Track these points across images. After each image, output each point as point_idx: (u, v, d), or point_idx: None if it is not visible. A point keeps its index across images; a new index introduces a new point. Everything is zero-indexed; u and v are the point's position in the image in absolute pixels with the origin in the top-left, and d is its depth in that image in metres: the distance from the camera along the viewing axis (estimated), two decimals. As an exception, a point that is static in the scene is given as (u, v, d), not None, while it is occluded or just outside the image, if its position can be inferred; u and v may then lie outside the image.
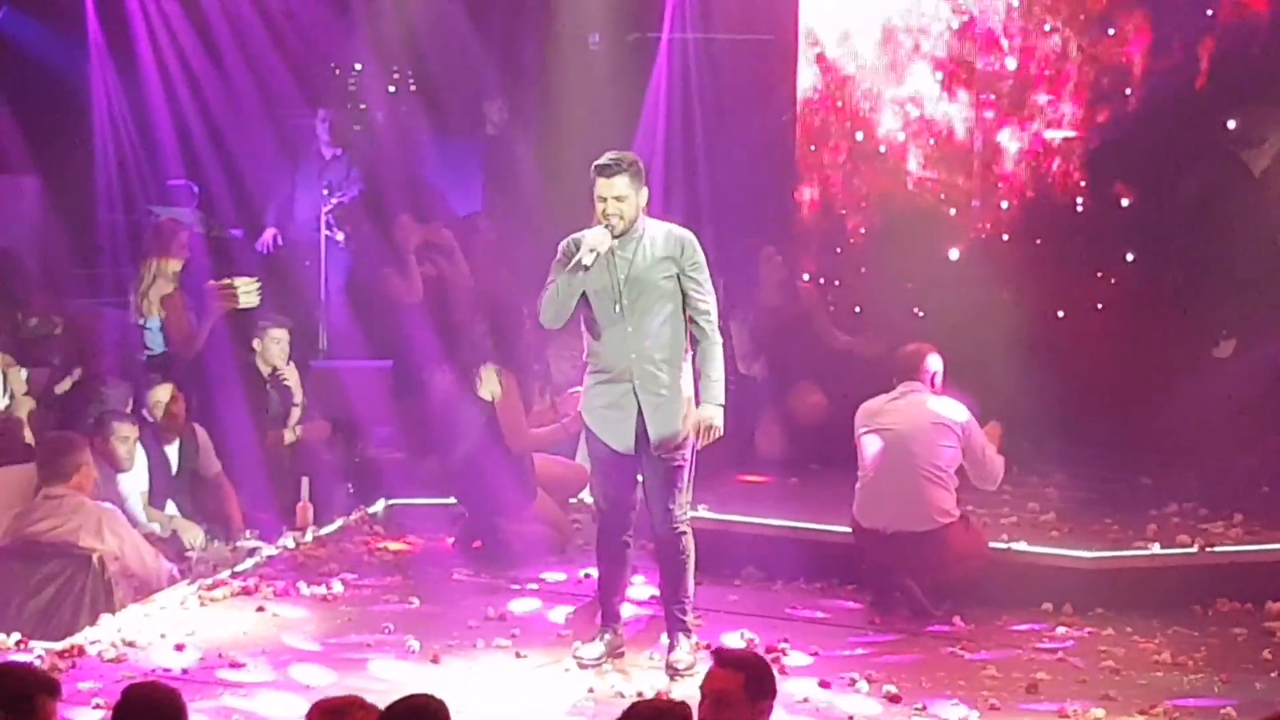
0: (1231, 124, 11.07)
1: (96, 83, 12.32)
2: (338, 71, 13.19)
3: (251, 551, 9.43)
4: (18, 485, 8.63)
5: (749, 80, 12.56)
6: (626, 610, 8.23)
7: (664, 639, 7.93)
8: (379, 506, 10.57)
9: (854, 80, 11.85)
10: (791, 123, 12.12)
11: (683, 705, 5.15)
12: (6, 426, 9.46)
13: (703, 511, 9.29)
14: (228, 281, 10.33)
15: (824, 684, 7.66)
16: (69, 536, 8.24)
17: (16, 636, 7.95)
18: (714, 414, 7.68)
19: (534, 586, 9.19)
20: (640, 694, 7.39)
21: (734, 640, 8.22)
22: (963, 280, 11.32)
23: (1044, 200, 11.59)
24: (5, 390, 9.71)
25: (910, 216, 11.74)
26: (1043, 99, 11.55)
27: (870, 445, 8.83)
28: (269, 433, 10.37)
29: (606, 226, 7.57)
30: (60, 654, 7.73)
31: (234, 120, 12.37)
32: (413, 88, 13.53)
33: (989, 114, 11.60)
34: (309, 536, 9.85)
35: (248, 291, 10.25)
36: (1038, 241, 11.62)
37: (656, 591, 8.28)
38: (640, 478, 7.81)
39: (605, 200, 7.59)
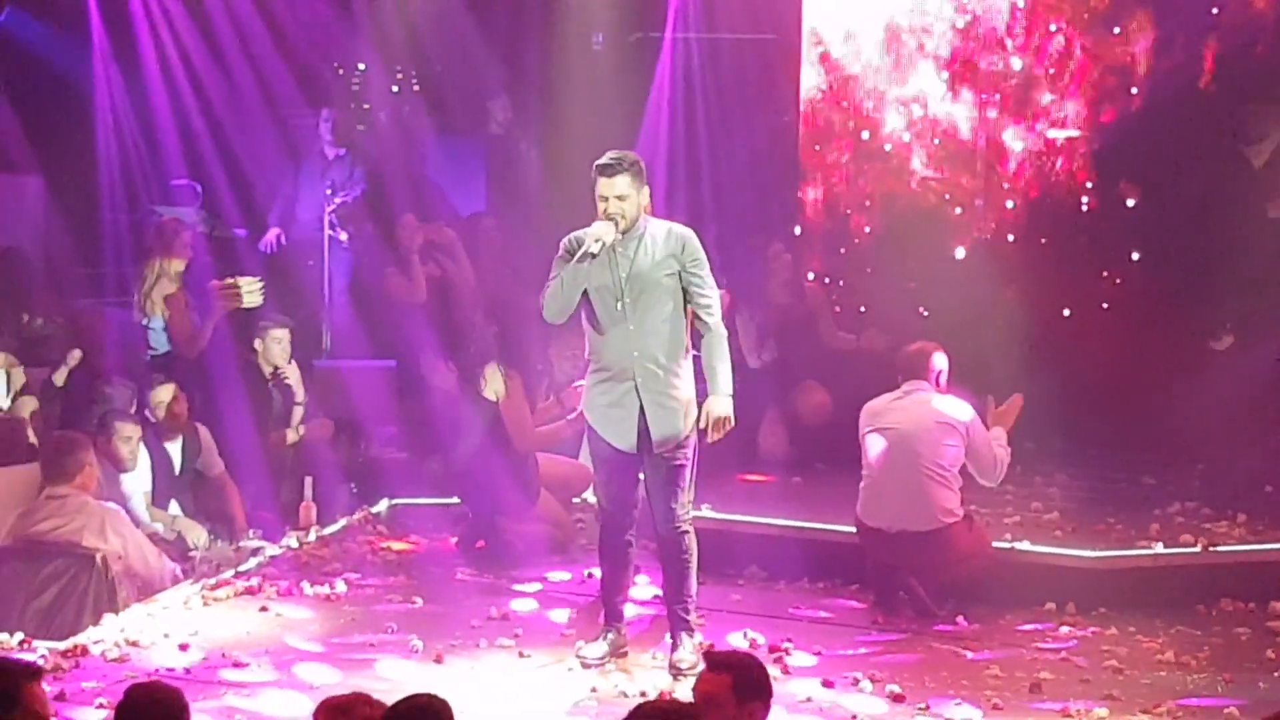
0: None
1: (100, 82, 12.31)
2: (341, 71, 13.19)
3: (254, 551, 9.43)
4: (21, 485, 8.64)
5: (752, 80, 12.55)
6: (629, 610, 8.23)
7: (668, 638, 7.93)
8: (382, 506, 10.57)
9: (857, 80, 11.85)
10: (794, 122, 12.12)
11: (690, 706, 5.14)
12: (10, 426, 9.46)
13: (706, 511, 9.29)
14: (231, 281, 10.34)
15: (827, 683, 7.65)
16: (72, 536, 8.25)
17: (20, 636, 7.96)
18: (724, 404, 7.67)
19: (537, 586, 9.19)
20: (643, 693, 7.39)
21: (738, 640, 8.22)
22: (967, 280, 11.31)
23: (1049, 200, 11.59)
24: (9, 390, 9.71)
25: (915, 216, 11.75)
26: (1047, 98, 11.55)
27: (874, 445, 8.83)
28: (271, 432, 10.38)
29: (609, 220, 7.58)
30: (63, 654, 7.74)
31: (237, 120, 12.37)
32: (416, 87, 13.53)
33: (993, 113, 11.60)
34: (312, 536, 9.86)
35: (251, 291, 10.27)
36: (1043, 241, 11.63)
37: (659, 591, 8.28)
38: (642, 476, 7.81)
39: (607, 200, 7.59)
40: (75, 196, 12.15)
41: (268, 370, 10.45)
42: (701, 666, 5.55)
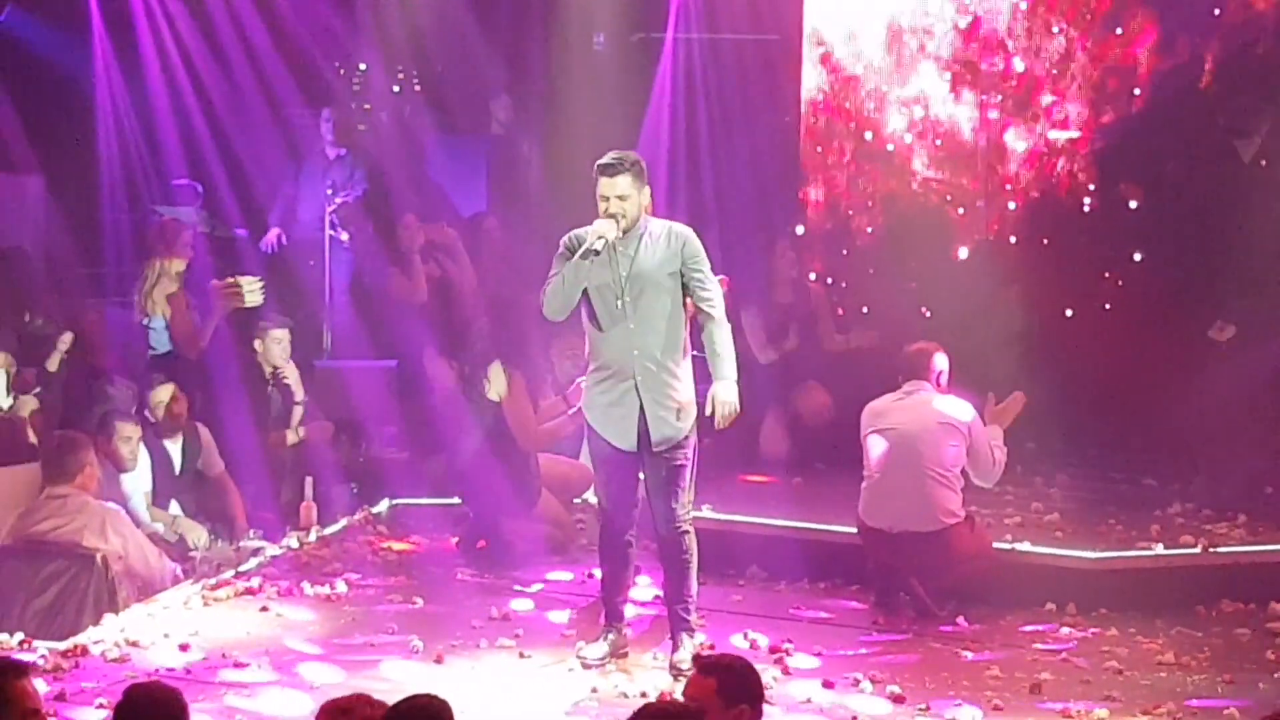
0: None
1: (101, 82, 12.31)
2: (342, 71, 13.18)
3: (255, 551, 9.43)
4: (22, 485, 8.65)
5: (753, 80, 12.55)
6: (630, 610, 8.23)
7: (670, 639, 7.93)
8: (383, 506, 10.57)
9: (859, 80, 11.85)
10: (795, 123, 12.11)
11: (695, 707, 5.14)
12: (10, 426, 9.46)
13: (706, 511, 9.30)
14: (232, 280, 10.34)
15: (828, 684, 7.65)
16: (73, 536, 8.26)
17: (20, 636, 7.96)
18: (729, 390, 7.64)
19: (538, 587, 9.19)
20: (644, 694, 7.40)
21: (738, 640, 8.23)
22: (969, 280, 11.30)
23: (1050, 200, 11.59)
24: (9, 390, 9.71)
25: (916, 217, 11.74)
26: (1048, 99, 11.55)
27: (876, 445, 8.82)
28: (272, 433, 10.38)
29: (610, 218, 7.58)
30: (64, 654, 7.74)
31: (238, 119, 12.36)
32: (417, 87, 13.53)
33: (995, 114, 11.60)
34: (313, 536, 9.86)
35: (252, 290, 10.26)
36: (1044, 241, 11.62)
37: (660, 591, 8.28)
38: (642, 476, 7.81)
39: (608, 199, 7.60)
40: (76, 196, 12.15)
41: (268, 370, 10.45)
42: (696, 669, 5.56)
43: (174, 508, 9.56)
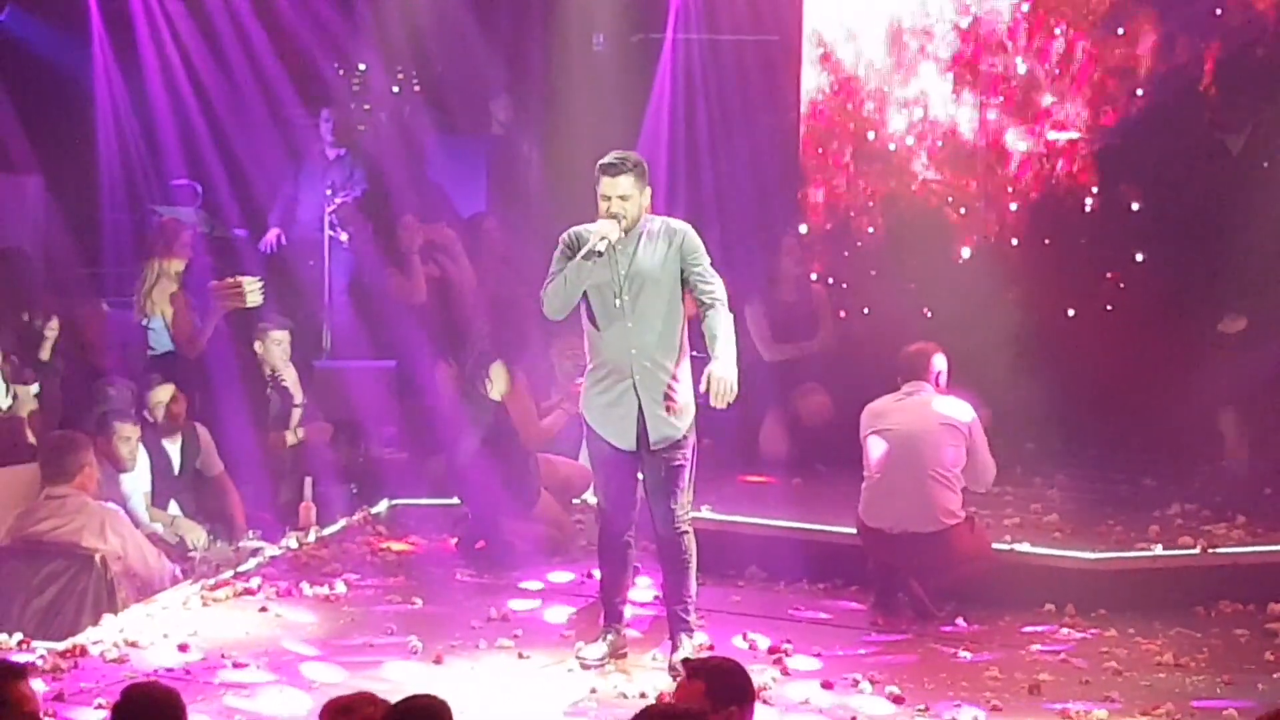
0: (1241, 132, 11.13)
1: (100, 82, 12.31)
2: (341, 71, 13.18)
3: (254, 552, 9.43)
4: (21, 485, 8.65)
5: (753, 81, 12.54)
6: (629, 611, 8.22)
7: (669, 640, 7.93)
8: (382, 507, 10.57)
9: (860, 81, 11.84)
10: (796, 124, 12.11)
11: (698, 709, 5.14)
12: (9, 426, 9.46)
13: (706, 512, 9.30)
14: (233, 280, 10.33)
15: (827, 685, 7.65)
16: (72, 536, 8.25)
17: (19, 636, 7.96)
18: (725, 368, 7.52)
19: (537, 587, 9.19)
20: (643, 694, 7.40)
21: (738, 641, 8.22)
22: (970, 281, 11.31)
23: (1051, 201, 11.58)
24: (8, 391, 9.71)
25: (917, 217, 11.74)
26: (1049, 100, 11.55)
27: (876, 446, 8.82)
28: (271, 433, 10.38)
29: (611, 218, 7.58)
30: (62, 654, 7.73)
31: (237, 119, 12.36)
32: (416, 87, 13.52)
33: (996, 115, 11.60)
34: (312, 537, 9.86)
35: (252, 291, 10.26)
36: (1045, 242, 11.61)
37: (659, 592, 8.28)
38: (641, 476, 7.81)
39: (609, 199, 7.60)
40: (75, 196, 12.15)
41: (267, 372, 10.45)
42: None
43: (173, 508, 9.56)
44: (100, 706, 6.98)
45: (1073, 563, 9.07)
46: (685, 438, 7.73)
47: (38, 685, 6.73)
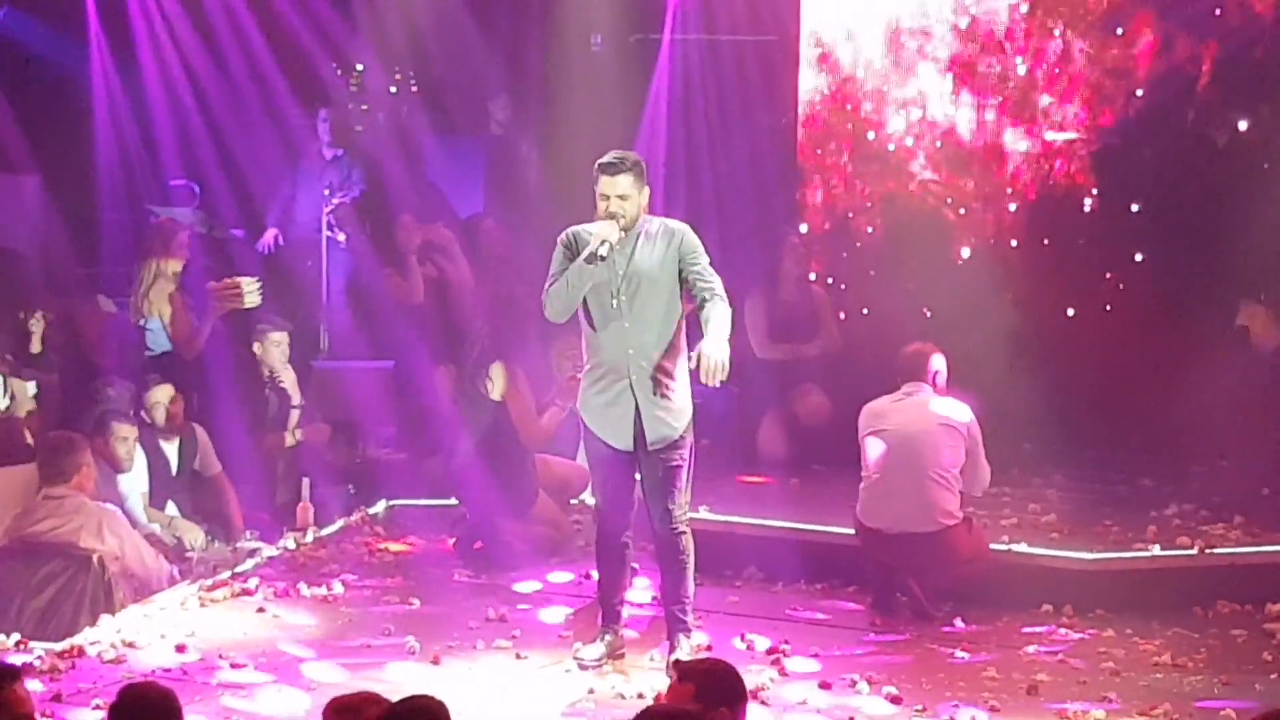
0: (1244, 125, 11.12)
1: (97, 82, 12.30)
2: (339, 71, 13.18)
3: (252, 552, 9.43)
4: (18, 485, 8.65)
5: (751, 82, 12.54)
6: (627, 611, 8.22)
7: (666, 640, 7.93)
8: (380, 507, 10.56)
9: (858, 82, 11.84)
10: (794, 124, 12.11)
11: (701, 711, 5.13)
12: (7, 427, 9.45)
13: (704, 512, 9.29)
14: (231, 281, 10.33)
15: (825, 685, 7.65)
16: (69, 537, 8.25)
17: (16, 637, 7.95)
18: (716, 344, 7.42)
19: (535, 587, 9.18)
20: (641, 695, 7.40)
21: (735, 641, 8.22)
22: (969, 282, 11.31)
23: (1050, 201, 11.58)
24: (6, 391, 9.71)
25: (916, 218, 11.74)
26: (1047, 100, 11.55)
27: (875, 447, 8.82)
28: (269, 435, 10.38)
29: (610, 219, 7.58)
30: (60, 654, 7.73)
31: (235, 120, 12.36)
32: (414, 88, 13.52)
33: (995, 116, 11.60)
34: (309, 537, 9.85)
35: (250, 291, 10.26)
36: (1044, 242, 11.61)
37: (657, 593, 8.28)
38: (639, 477, 7.81)
39: (608, 198, 7.60)
40: (73, 196, 12.15)
41: (265, 373, 10.45)
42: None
43: (171, 508, 9.56)
44: (98, 707, 6.98)
45: (1071, 563, 9.07)
46: (683, 438, 7.73)
47: (35, 686, 6.73)
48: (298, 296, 11.93)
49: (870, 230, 11.90)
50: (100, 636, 7.97)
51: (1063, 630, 8.60)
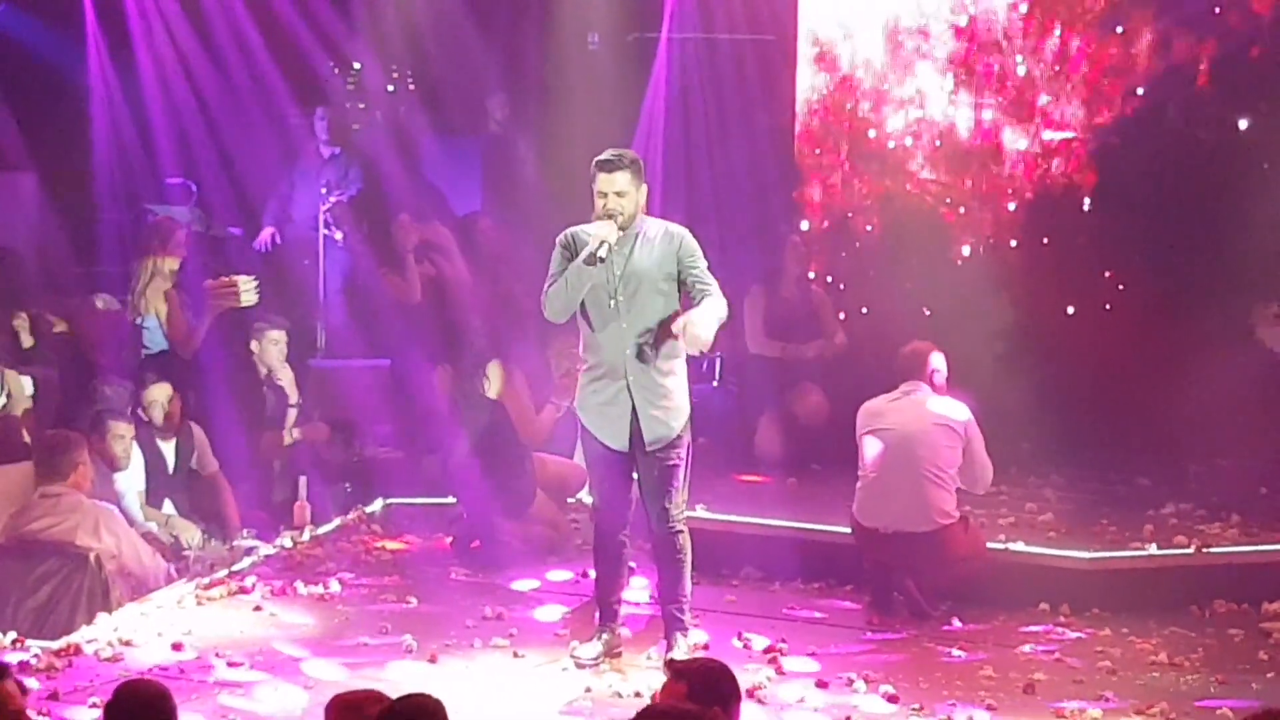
0: (1244, 124, 11.13)
1: (95, 80, 12.29)
2: (337, 70, 13.17)
3: (249, 550, 9.43)
4: (15, 484, 8.64)
5: (749, 81, 12.54)
6: (624, 610, 8.22)
7: (663, 639, 7.92)
8: (377, 506, 10.55)
9: (856, 81, 11.83)
10: (791, 123, 12.11)
11: (702, 711, 5.13)
12: (4, 425, 9.45)
13: (701, 511, 9.29)
14: (228, 279, 10.32)
15: (822, 684, 7.65)
16: (66, 535, 8.24)
17: (13, 635, 7.95)
18: (703, 318, 7.44)
19: (532, 585, 9.18)
20: (638, 693, 7.39)
21: (734, 641, 8.22)
22: (967, 281, 11.30)
23: (1048, 200, 11.57)
24: (3, 389, 9.70)
25: (914, 217, 11.73)
26: (1045, 99, 11.54)
27: (872, 446, 8.82)
28: (266, 433, 10.37)
29: (608, 219, 7.58)
30: (57, 653, 7.73)
31: (232, 118, 12.35)
32: (411, 86, 13.51)
33: (993, 114, 11.59)
34: (306, 535, 9.85)
35: (247, 289, 10.25)
36: (1044, 241, 11.61)
37: (654, 591, 8.28)
38: (636, 476, 7.81)
39: (606, 195, 7.60)
40: (70, 194, 12.14)
41: (262, 371, 10.44)
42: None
43: (167, 507, 9.55)
44: (95, 705, 6.98)
45: (1068, 562, 9.07)
46: (680, 437, 7.73)
47: (32, 684, 6.73)
48: (295, 295, 11.91)
49: (869, 229, 11.90)
50: (97, 635, 7.96)
51: (1059, 629, 8.60)
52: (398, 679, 7.48)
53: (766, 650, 8.09)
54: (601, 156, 7.67)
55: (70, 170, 12.22)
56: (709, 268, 7.76)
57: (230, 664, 7.72)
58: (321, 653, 7.99)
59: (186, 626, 8.22)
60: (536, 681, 7.71)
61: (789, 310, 11.53)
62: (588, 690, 7.58)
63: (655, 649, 7.96)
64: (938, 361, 8.94)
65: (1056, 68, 11.48)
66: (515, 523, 9.67)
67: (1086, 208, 11.55)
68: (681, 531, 7.82)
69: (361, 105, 13.39)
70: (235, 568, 9.15)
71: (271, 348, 10.44)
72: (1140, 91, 11.31)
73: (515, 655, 8.03)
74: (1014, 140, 11.59)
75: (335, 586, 9.02)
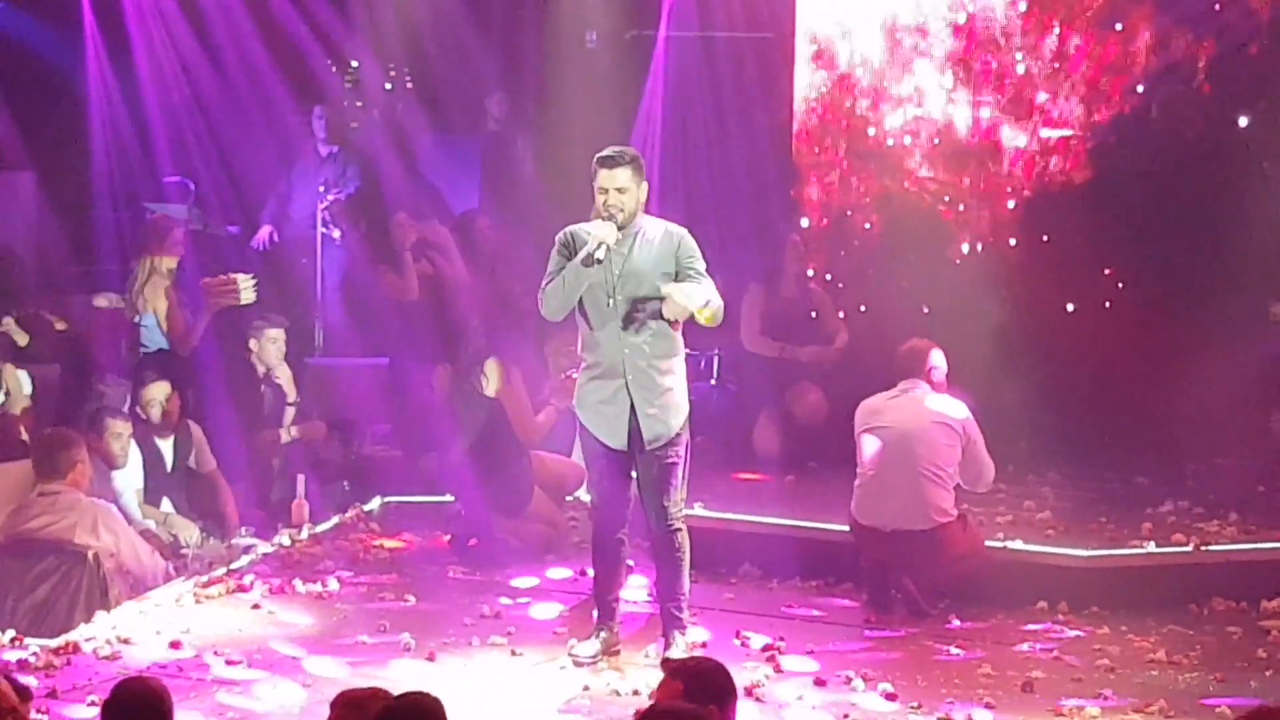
0: (1244, 121, 11.13)
1: (93, 78, 12.29)
2: (335, 69, 13.17)
3: (247, 549, 9.43)
4: (13, 482, 8.64)
5: (747, 79, 12.53)
6: (622, 608, 8.21)
7: (661, 637, 7.92)
8: (375, 504, 10.56)
9: (854, 79, 11.83)
10: (790, 121, 12.10)
11: (704, 711, 5.12)
12: (2, 423, 9.44)
13: (699, 509, 9.28)
14: (228, 277, 10.32)
15: (820, 682, 7.65)
16: (64, 533, 8.24)
17: (11, 633, 7.95)
18: (687, 289, 7.48)
19: (531, 583, 9.18)
20: (636, 692, 7.39)
21: (732, 640, 8.22)
22: (966, 279, 11.30)
23: (1047, 198, 11.57)
24: (1, 387, 9.70)
25: (913, 216, 11.73)
26: (1045, 97, 11.54)
27: (870, 444, 8.82)
28: (264, 431, 10.37)
29: (608, 218, 7.58)
30: (55, 651, 7.73)
31: (230, 117, 12.35)
32: (409, 84, 13.51)
33: (992, 112, 11.59)
34: (304, 534, 9.85)
35: (246, 288, 10.25)
36: (1043, 239, 11.61)
37: (653, 590, 8.27)
38: (634, 474, 7.81)
39: (607, 192, 7.60)
40: (68, 193, 12.13)
41: (261, 370, 10.43)
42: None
43: (166, 505, 9.55)
44: (93, 703, 6.98)
45: (1066, 560, 9.07)
46: (678, 436, 7.73)
47: (30, 682, 6.71)
48: (293, 294, 11.92)
49: (867, 227, 11.89)
50: (95, 633, 7.96)
51: (1058, 627, 8.60)
52: (396, 677, 7.47)
53: (765, 648, 8.09)
54: (603, 152, 7.67)
55: (68, 169, 12.22)
56: (708, 268, 7.76)
57: (228, 662, 7.72)
58: (320, 651, 7.98)
59: (185, 625, 8.21)
60: (535, 680, 7.71)
61: (789, 309, 11.52)
62: (586, 688, 7.58)
63: (653, 647, 7.95)
64: (937, 359, 8.94)
65: (1055, 65, 11.48)
66: (513, 521, 9.67)
67: (1085, 205, 11.54)
68: (680, 530, 7.82)
69: (359, 104, 13.39)
70: (233, 566, 9.15)
71: (270, 346, 10.44)
72: (1139, 89, 11.31)
73: (513, 653, 8.02)
74: (1013, 138, 11.59)
75: (333, 585, 9.02)
